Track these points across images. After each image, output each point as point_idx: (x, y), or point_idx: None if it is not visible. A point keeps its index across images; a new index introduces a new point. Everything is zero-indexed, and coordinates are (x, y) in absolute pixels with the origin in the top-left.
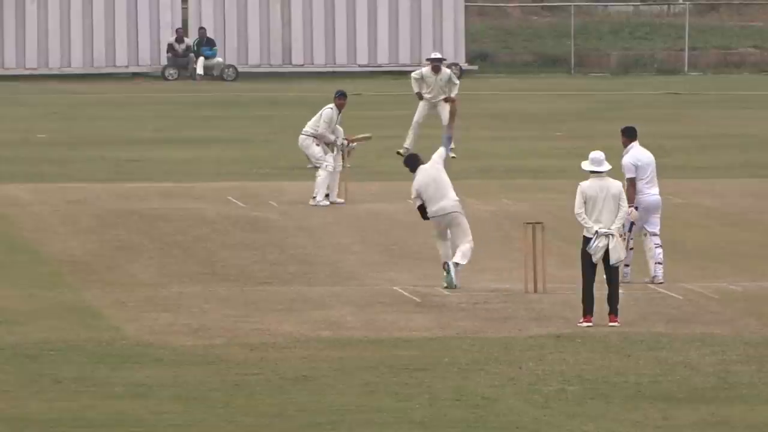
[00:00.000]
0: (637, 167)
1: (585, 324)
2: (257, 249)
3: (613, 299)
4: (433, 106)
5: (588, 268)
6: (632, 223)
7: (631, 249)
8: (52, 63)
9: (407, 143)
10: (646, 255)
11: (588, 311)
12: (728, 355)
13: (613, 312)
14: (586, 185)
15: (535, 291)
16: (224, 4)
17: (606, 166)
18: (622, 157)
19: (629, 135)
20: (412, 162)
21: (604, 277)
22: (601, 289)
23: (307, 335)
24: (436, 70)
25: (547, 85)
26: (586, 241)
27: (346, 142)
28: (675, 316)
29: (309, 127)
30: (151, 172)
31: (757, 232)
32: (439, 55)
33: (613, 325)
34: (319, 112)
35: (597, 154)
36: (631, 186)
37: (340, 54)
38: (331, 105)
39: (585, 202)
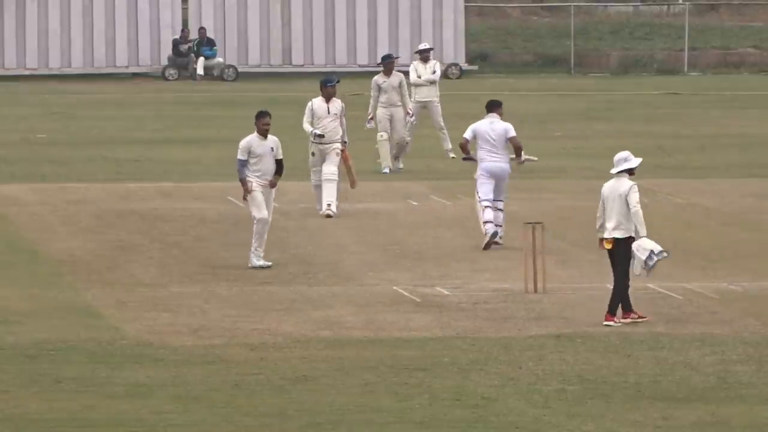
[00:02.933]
0: (475, 133)
1: (636, 318)
2: None
3: (614, 299)
4: (423, 106)
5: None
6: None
7: (501, 210)
8: (53, 63)
9: (407, 149)
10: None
11: (626, 308)
12: (728, 355)
13: (610, 312)
14: (604, 185)
15: (535, 291)
16: (224, 4)
17: (619, 167)
18: None
19: (486, 107)
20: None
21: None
22: (598, 290)
23: (307, 335)
24: (425, 59)
25: (547, 85)
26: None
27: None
28: (675, 316)
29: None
30: (151, 172)
31: (757, 232)
32: (428, 46)
33: (608, 324)
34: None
35: (617, 155)
36: (461, 145)
37: (340, 54)
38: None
39: (603, 202)
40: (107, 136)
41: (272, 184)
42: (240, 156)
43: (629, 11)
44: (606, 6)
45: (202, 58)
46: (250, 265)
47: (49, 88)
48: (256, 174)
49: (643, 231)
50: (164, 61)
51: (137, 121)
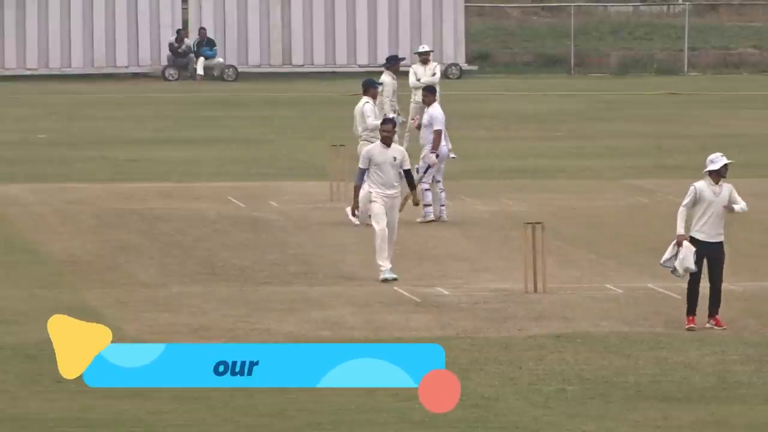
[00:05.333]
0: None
1: (689, 326)
2: (257, 249)
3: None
4: (422, 108)
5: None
6: (428, 167)
7: (428, 189)
8: (53, 63)
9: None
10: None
11: (691, 311)
12: (728, 355)
13: (711, 315)
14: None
15: (535, 291)
16: (224, 4)
17: (706, 169)
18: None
19: (432, 93)
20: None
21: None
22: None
23: (307, 335)
24: (425, 62)
25: (547, 85)
26: (692, 241)
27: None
28: (675, 316)
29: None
30: (151, 172)
31: (757, 232)
32: (427, 48)
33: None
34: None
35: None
36: (438, 136)
37: (340, 54)
38: (367, 99)
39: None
40: (107, 136)
41: (415, 202)
42: (360, 165)
43: (629, 11)
44: (606, 6)
45: (202, 58)
46: (380, 278)
47: (49, 88)
48: (377, 184)
49: (678, 230)
50: (164, 61)
51: (137, 121)
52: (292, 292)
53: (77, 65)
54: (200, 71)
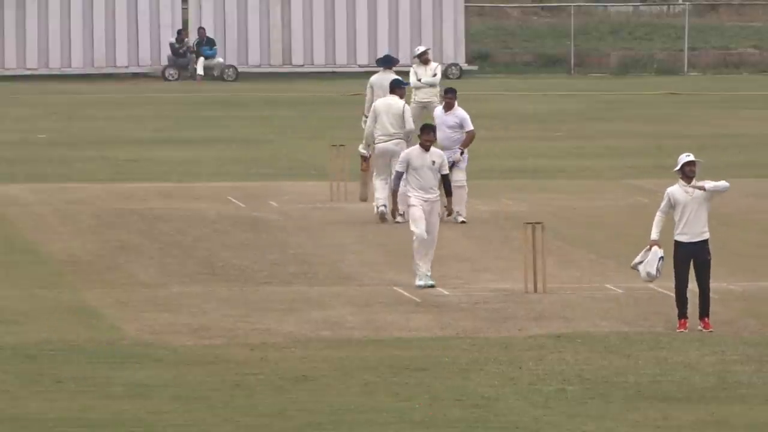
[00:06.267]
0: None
1: (680, 330)
2: (257, 249)
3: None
4: (423, 106)
5: (680, 268)
6: (453, 163)
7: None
8: (53, 63)
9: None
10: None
11: (682, 314)
12: (728, 355)
13: (704, 315)
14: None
15: (535, 291)
16: (224, 4)
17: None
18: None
19: (455, 95)
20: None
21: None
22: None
23: (307, 335)
24: (425, 61)
25: (547, 85)
26: (676, 245)
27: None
28: (675, 316)
29: (398, 129)
30: (151, 172)
31: (757, 232)
32: (423, 48)
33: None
34: (398, 112)
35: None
36: (472, 136)
37: (340, 54)
38: (402, 101)
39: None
40: (107, 136)
41: (448, 211)
42: (398, 168)
43: (629, 11)
44: (606, 6)
45: (202, 58)
46: (416, 284)
47: (49, 88)
48: (416, 188)
49: (652, 235)
50: (164, 61)
51: (137, 121)
52: (292, 292)
53: (77, 65)
54: (200, 71)
